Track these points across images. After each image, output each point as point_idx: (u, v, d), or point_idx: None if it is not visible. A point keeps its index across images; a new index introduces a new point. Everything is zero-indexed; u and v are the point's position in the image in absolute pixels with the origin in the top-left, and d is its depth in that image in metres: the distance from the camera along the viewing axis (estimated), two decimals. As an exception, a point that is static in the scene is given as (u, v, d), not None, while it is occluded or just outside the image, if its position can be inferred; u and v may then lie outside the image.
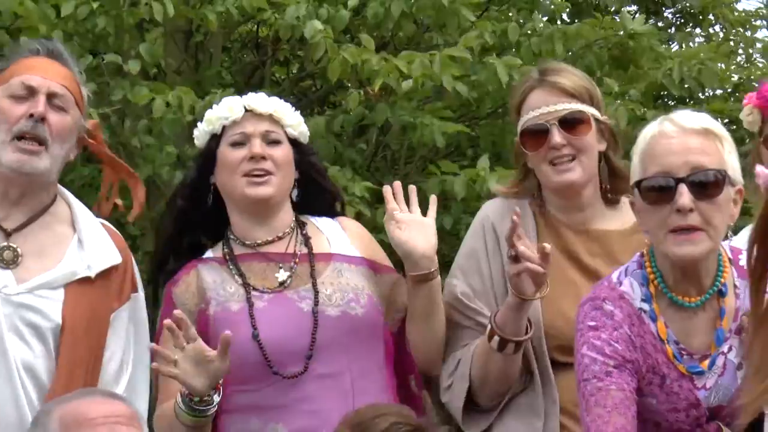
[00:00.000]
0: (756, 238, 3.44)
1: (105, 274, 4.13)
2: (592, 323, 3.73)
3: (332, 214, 4.53)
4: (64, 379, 3.98)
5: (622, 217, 4.32)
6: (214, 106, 4.45)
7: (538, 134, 4.29)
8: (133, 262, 4.29)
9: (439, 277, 4.22)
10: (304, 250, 4.35)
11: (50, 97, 4.06)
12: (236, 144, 4.29)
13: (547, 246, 4.02)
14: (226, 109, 4.36)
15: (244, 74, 8.17)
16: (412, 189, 4.30)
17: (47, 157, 4.04)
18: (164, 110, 6.65)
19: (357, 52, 6.89)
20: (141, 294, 4.29)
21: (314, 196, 4.46)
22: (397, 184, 4.29)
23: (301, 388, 4.20)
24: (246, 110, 4.34)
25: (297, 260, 4.32)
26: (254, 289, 4.27)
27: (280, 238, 4.36)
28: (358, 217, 6.04)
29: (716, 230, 3.66)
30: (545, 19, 9.05)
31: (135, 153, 7.39)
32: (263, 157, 4.26)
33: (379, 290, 4.34)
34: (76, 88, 4.17)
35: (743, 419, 3.53)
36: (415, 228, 4.20)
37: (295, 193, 4.39)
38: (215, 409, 4.08)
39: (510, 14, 7.76)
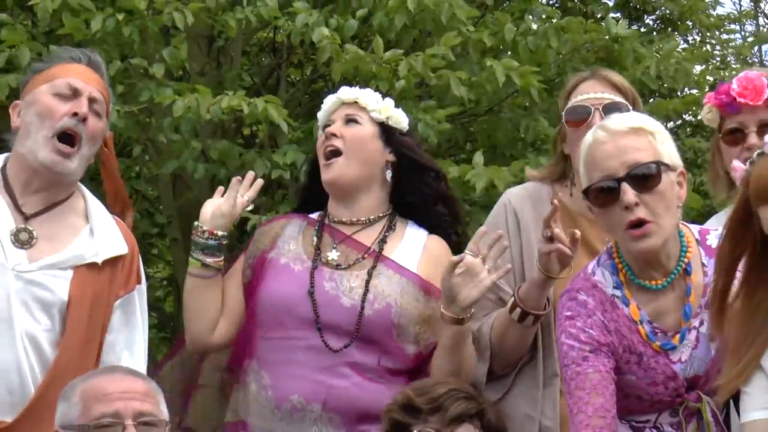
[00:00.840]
0: (728, 230, 3.46)
1: (112, 263, 4.13)
2: (568, 313, 3.77)
3: (434, 225, 4.45)
4: (67, 352, 3.98)
5: None
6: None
7: (582, 115, 4.32)
8: (139, 256, 4.27)
9: (470, 323, 4.16)
10: (377, 248, 4.35)
11: (91, 101, 4.06)
12: (324, 128, 4.39)
13: (578, 232, 4.07)
14: (329, 103, 4.46)
15: (262, 76, 8.16)
16: (484, 231, 4.20)
17: (77, 158, 4.05)
18: (184, 110, 6.65)
19: (357, 56, 6.91)
20: (144, 286, 4.28)
21: (414, 181, 4.43)
22: (482, 229, 4.20)
23: (302, 352, 4.24)
24: (340, 102, 4.42)
25: (361, 254, 4.33)
26: (319, 255, 4.32)
27: (354, 223, 4.39)
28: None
29: (665, 218, 3.67)
30: (536, 26, 9.09)
31: (161, 148, 7.40)
32: (334, 134, 4.30)
33: (417, 310, 4.28)
34: (108, 98, 4.18)
35: (720, 398, 3.58)
36: (471, 279, 4.09)
37: (389, 174, 4.39)
38: (215, 261, 4.24)
39: (503, 20, 7.70)
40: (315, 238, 4.35)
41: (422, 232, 4.42)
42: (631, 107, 4.36)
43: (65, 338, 4.02)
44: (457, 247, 4.40)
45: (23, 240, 4.04)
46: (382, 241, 4.35)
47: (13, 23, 6.96)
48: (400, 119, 4.44)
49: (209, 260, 4.28)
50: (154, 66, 6.88)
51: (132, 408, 3.60)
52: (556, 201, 4.09)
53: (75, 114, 4.02)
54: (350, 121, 4.35)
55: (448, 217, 4.49)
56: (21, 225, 4.05)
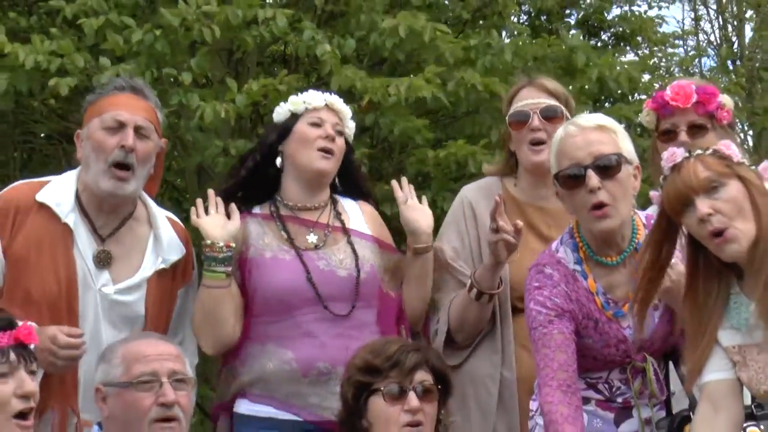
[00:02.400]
0: (649, 244, 3.48)
1: (174, 264, 4.12)
2: (536, 284, 3.78)
3: (356, 197, 4.49)
4: None
5: None
6: (295, 96, 4.44)
7: (523, 117, 4.34)
8: (191, 246, 4.25)
9: (432, 250, 4.27)
10: (337, 224, 4.34)
11: (136, 129, 4.00)
12: (314, 124, 4.31)
13: (520, 223, 4.09)
14: (311, 97, 4.37)
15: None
16: (406, 181, 4.37)
17: (134, 180, 4.02)
18: (210, 115, 6.67)
19: (354, 72, 6.94)
20: (195, 270, 4.28)
21: (348, 182, 4.46)
22: (404, 179, 4.35)
23: (315, 325, 4.22)
24: (326, 104, 4.35)
25: (330, 230, 4.32)
26: (292, 244, 4.27)
27: (316, 208, 4.35)
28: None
29: (622, 203, 3.69)
30: (508, 40, 9.08)
31: (188, 145, 7.41)
32: (332, 136, 4.28)
33: (380, 263, 4.32)
34: (154, 116, 4.13)
35: (689, 384, 3.55)
36: (419, 212, 4.26)
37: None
38: (227, 269, 4.12)
39: (480, 33, 7.73)
40: (283, 232, 4.31)
41: (352, 201, 4.47)
42: (564, 108, 4.40)
43: None
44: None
45: (104, 260, 4.02)
46: (339, 217, 4.37)
47: (62, 36, 6.96)
48: (351, 134, 4.50)
49: (229, 270, 4.16)
50: (183, 74, 6.88)
51: (167, 368, 3.62)
52: (497, 198, 4.12)
53: (123, 147, 3.97)
54: (339, 132, 4.34)
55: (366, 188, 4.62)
56: (100, 247, 4.03)
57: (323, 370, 4.18)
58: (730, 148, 3.38)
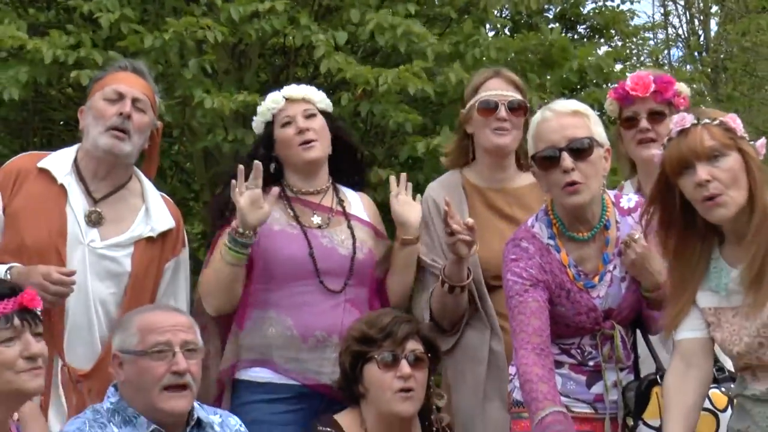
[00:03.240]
0: (650, 201, 3.49)
1: (163, 235, 4.18)
2: (513, 256, 3.80)
3: (357, 188, 4.53)
4: (128, 311, 3.96)
5: (530, 177, 4.30)
6: (262, 104, 4.46)
7: (492, 106, 4.38)
8: (183, 227, 4.30)
9: (419, 243, 4.31)
10: (338, 208, 4.38)
11: (134, 101, 4.10)
12: (286, 125, 4.32)
13: (470, 220, 4.11)
14: (272, 101, 4.40)
15: (274, 74, 8.12)
16: (405, 177, 4.38)
17: (130, 143, 4.10)
18: (210, 109, 6.74)
19: (344, 59, 6.98)
20: (187, 250, 4.33)
21: (346, 161, 4.47)
22: (403, 175, 4.37)
23: (311, 296, 4.25)
24: (285, 99, 4.36)
25: (333, 213, 4.36)
26: (298, 221, 4.31)
27: (318, 192, 4.38)
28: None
29: (593, 181, 3.72)
30: (492, 34, 9.09)
31: (195, 131, 7.42)
32: (307, 129, 4.28)
33: (377, 248, 4.39)
34: (152, 96, 4.21)
35: (666, 335, 3.60)
36: (409, 206, 4.28)
37: (329, 149, 4.40)
38: (248, 251, 4.14)
39: (463, 29, 7.72)
40: (290, 210, 4.35)
41: (354, 192, 4.51)
42: (526, 100, 4.49)
43: (128, 300, 4.07)
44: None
45: (94, 220, 4.09)
46: (341, 203, 4.41)
47: (79, 32, 6.96)
48: (329, 104, 4.50)
49: (249, 251, 4.19)
50: (189, 65, 6.90)
51: (180, 338, 3.64)
52: (445, 204, 4.15)
53: (121, 114, 4.07)
54: (310, 116, 4.35)
55: (363, 176, 4.64)
56: (92, 207, 4.09)
57: (320, 337, 4.21)
58: (736, 121, 3.38)
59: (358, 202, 4.49)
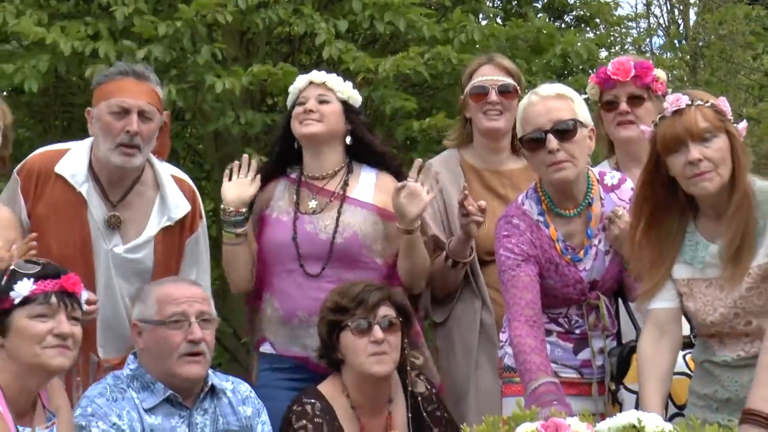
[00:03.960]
0: (643, 179, 3.48)
1: (181, 219, 4.11)
2: (505, 233, 3.80)
3: (380, 166, 4.40)
4: None
5: (523, 160, 4.33)
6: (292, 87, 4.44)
7: (483, 91, 4.38)
8: (197, 195, 4.22)
9: (419, 232, 4.17)
10: (339, 191, 4.31)
11: (140, 113, 3.95)
12: (300, 104, 4.31)
13: (483, 203, 4.12)
14: (298, 83, 4.38)
15: (280, 60, 8.12)
16: (420, 162, 4.21)
17: (140, 156, 4.00)
18: (223, 90, 6.71)
19: (345, 46, 6.99)
20: (204, 220, 4.27)
21: (365, 146, 4.39)
22: (419, 161, 4.21)
23: (294, 279, 4.25)
24: (309, 82, 4.33)
25: (332, 197, 4.30)
26: (299, 208, 4.29)
27: (325, 177, 4.33)
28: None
29: (578, 160, 3.71)
30: (485, 22, 9.07)
31: (206, 114, 7.42)
32: (312, 110, 4.25)
33: (372, 231, 4.27)
34: (156, 98, 4.05)
35: (641, 303, 3.59)
36: (413, 198, 4.10)
37: (348, 139, 4.34)
38: (243, 230, 4.20)
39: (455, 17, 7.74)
40: (294, 195, 4.33)
41: (373, 173, 4.39)
42: (517, 85, 4.47)
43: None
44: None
45: (114, 224, 4.02)
46: (344, 185, 4.32)
47: (96, 23, 6.96)
48: (356, 99, 4.42)
49: (239, 230, 4.22)
50: (202, 51, 6.88)
51: (195, 308, 3.66)
52: (464, 188, 4.17)
53: (128, 132, 3.93)
54: (323, 101, 4.31)
55: (392, 164, 4.47)
56: (111, 212, 4.02)
57: (302, 318, 4.21)
58: (726, 105, 3.38)
59: (369, 184, 4.38)
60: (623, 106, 4.36)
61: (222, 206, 4.23)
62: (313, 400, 3.89)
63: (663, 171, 3.39)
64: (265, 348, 4.33)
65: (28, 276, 3.25)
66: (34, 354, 3.22)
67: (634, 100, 4.36)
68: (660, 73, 4.43)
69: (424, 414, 4.02)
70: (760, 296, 3.33)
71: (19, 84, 6.79)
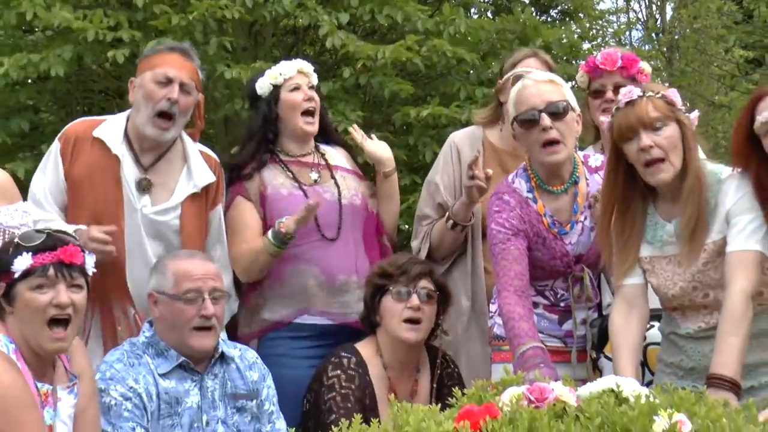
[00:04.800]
0: (608, 170, 3.50)
1: (205, 188, 4.11)
2: (497, 208, 3.78)
3: (332, 143, 4.51)
4: None
5: None
6: (270, 69, 4.40)
7: None
8: (222, 171, 4.24)
9: (395, 174, 4.36)
10: (323, 162, 4.36)
11: (181, 85, 4.00)
12: (294, 89, 4.29)
13: (490, 171, 4.10)
14: (286, 68, 4.34)
15: (286, 51, 8.12)
16: (355, 127, 4.49)
17: (174, 129, 4.03)
18: (228, 75, 6.72)
19: (346, 36, 6.99)
20: (224, 195, 4.26)
21: (324, 124, 4.46)
22: (354, 126, 4.47)
23: (326, 246, 4.25)
24: (298, 71, 4.34)
25: (320, 168, 4.33)
26: (298, 181, 4.27)
27: (307, 154, 4.37)
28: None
29: (568, 140, 3.70)
30: (476, 16, 9.07)
31: (216, 101, 7.42)
32: (311, 98, 4.29)
33: (363, 190, 4.38)
34: (196, 75, 4.10)
35: (616, 284, 3.57)
36: (378, 145, 4.37)
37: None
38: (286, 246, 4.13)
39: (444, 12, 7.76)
40: (289, 172, 4.31)
41: (331, 147, 4.49)
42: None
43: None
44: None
45: (144, 186, 4.03)
46: (323, 157, 4.40)
47: (117, 14, 6.96)
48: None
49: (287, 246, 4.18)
50: (211, 43, 6.89)
51: (209, 285, 3.66)
52: (477, 152, 4.16)
53: (169, 99, 3.98)
54: (312, 87, 4.35)
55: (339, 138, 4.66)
56: (142, 175, 4.04)
57: (343, 281, 4.23)
58: (676, 96, 3.40)
59: (338, 155, 4.47)
60: (609, 94, 4.33)
61: (288, 235, 4.12)
62: (349, 355, 3.95)
63: (623, 159, 3.42)
64: (286, 316, 4.26)
65: (27, 250, 3.21)
66: (36, 333, 3.19)
67: (620, 90, 4.33)
68: (645, 66, 4.42)
69: (444, 388, 4.03)
70: (716, 270, 3.35)
71: (45, 71, 6.81)
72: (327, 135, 4.51)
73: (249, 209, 4.26)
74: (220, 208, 4.20)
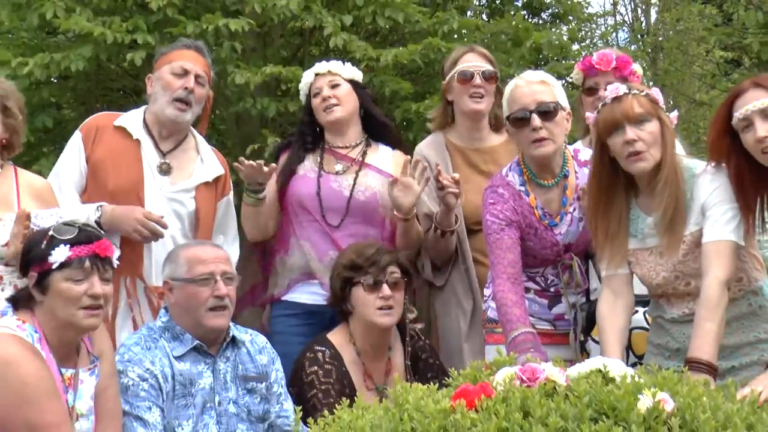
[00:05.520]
0: (594, 164, 3.50)
1: (216, 180, 4.20)
2: (491, 200, 3.79)
3: (393, 145, 4.46)
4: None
5: (501, 136, 4.33)
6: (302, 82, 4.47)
7: (469, 76, 4.31)
8: (229, 170, 4.32)
9: (415, 220, 4.20)
10: (358, 158, 4.35)
11: (196, 77, 4.11)
12: (315, 95, 4.34)
13: (457, 175, 4.08)
14: (306, 78, 4.42)
15: (293, 51, 8.10)
16: (414, 159, 4.22)
17: (190, 113, 4.13)
18: (240, 79, 6.79)
19: (349, 37, 7.00)
20: (232, 191, 4.34)
21: (372, 117, 4.43)
22: (416, 159, 4.20)
23: (328, 230, 4.26)
24: (315, 74, 4.36)
25: (352, 164, 4.32)
26: (323, 168, 4.30)
27: (347, 147, 4.36)
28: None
29: (557, 137, 3.71)
30: (472, 17, 9.06)
31: (228, 99, 7.42)
32: (329, 97, 4.28)
33: (383, 194, 4.27)
34: (208, 71, 4.22)
35: (604, 280, 3.57)
36: (407, 191, 4.12)
37: (361, 111, 4.39)
38: (263, 196, 4.19)
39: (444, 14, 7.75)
40: (319, 158, 4.35)
41: (389, 149, 4.45)
42: (497, 70, 4.41)
43: (198, 232, 4.13)
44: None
45: (165, 170, 4.12)
46: (363, 155, 4.37)
47: (134, 19, 6.98)
48: (359, 74, 4.46)
49: (260, 196, 4.24)
50: (224, 46, 6.90)
51: (220, 268, 3.66)
52: (436, 166, 4.12)
53: (186, 88, 4.10)
54: (335, 85, 4.33)
55: (396, 138, 4.56)
56: (161, 160, 4.12)
57: (332, 257, 4.21)
58: (659, 95, 3.42)
59: (386, 156, 4.42)
60: (602, 92, 4.33)
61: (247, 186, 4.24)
62: (323, 348, 3.90)
63: (607, 153, 3.43)
64: (290, 295, 4.31)
65: (65, 242, 3.22)
66: (70, 314, 3.21)
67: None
68: (637, 68, 4.44)
69: (420, 361, 4.03)
70: (696, 260, 3.36)
71: (66, 69, 6.83)
72: (379, 131, 4.45)
73: (271, 181, 4.33)
74: (225, 200, 4.27)
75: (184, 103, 4.10)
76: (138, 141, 4.10)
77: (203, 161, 4.21)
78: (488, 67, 4.39)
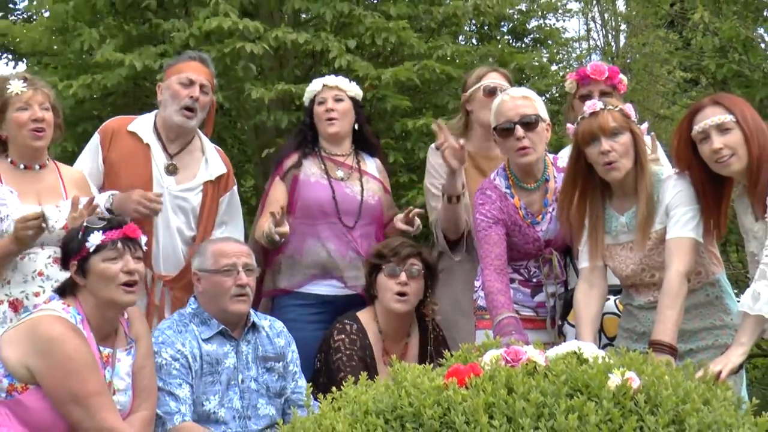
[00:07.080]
0: (568, 171, 3.50)
1: (219, 178, 4.16)
2: (480, 201, 3.78)
3: (374, 155, 4.46)
4: (201, 235, 4.04)
5: None
6: (309, 85, 4.41)
7: (493, 92, 4.21)
8: (231, 168, 4.27)
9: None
10: (356, 166, 4.33)
11: (201, 86, 4.08)
12: (320, 103, 4.30)
13: (462, 141, 3.96)
14: (314, 85, 4.35)
15: (306, 70, 8.10)
16: (413, 210, 4.17)
17: (195, 119, 4.10)
18: (256, 95, 6.80)
19: (353, 58, 7.01)
20: (236, 187, 4.30)
21: (363, 133, 4.39)
22: (415, 210, 4.17)
23: (344, 231, 4.23)
24: (324, 85, 4.31)
25: (352, 170, 4.31)
26: (328, 174, 4.27)
27: (343, 155, 4.34)
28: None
29: (538, 146, 3.71)
30: (463, 42, 9.07)
31: (247, 111, 7.44)
32: (332, 109, 4.25)
33: (384, 198, 4.35)
34: (212, 80, 4.19)
35: (590, 268, 3.54)
36: (408, 226, 4.21)
37: (356, 125, 4.37)
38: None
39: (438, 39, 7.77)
40: (323, 165, 4.31)
41: (370, 157, 4.45)
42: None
43: (200, 228, 4.10)
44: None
45: (171, 170, 4.10)
46: (359, 163, 4.37)
47: (164, 46, 7.05)
48: (360, 94, 4.45)
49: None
50: (240, 66, 6.92)
51: (242, 261, 3.67)
52: (434, 126, 4.05)
53: (191, 97, 4.07)
54: (338, 100, 4.31)
55: (380, 151, 4.56)
56: (169, 161, 4.10)
57: (350, 257, 4.22)
58: (631, 110, 3.44)
59: (372, 164, 4.44)
60: (595, 99, 4.32)
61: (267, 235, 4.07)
62: (352, 322, 3.94)
63: (583, 160, 3.44)
64: (304, 288, 4.25)
65: (98, 229, 3.26)
66: (110, 292, 3.23)
67: (604, 95, 4.31)
68: (623, 77, 4.43)
69: (434, 352, 4.02)
70: (660, 255, 3.37)
71: (104, 87, 6.87)
72: (366, 143, 4.44)
73: (281, 189, 4.28)
74: (228, 195, 4.24)
75: (190, 111, 4.07)
76: (148, 145, 4.09)
77: (207, 161, 4.18)
78: (507, 84, 4.33)
